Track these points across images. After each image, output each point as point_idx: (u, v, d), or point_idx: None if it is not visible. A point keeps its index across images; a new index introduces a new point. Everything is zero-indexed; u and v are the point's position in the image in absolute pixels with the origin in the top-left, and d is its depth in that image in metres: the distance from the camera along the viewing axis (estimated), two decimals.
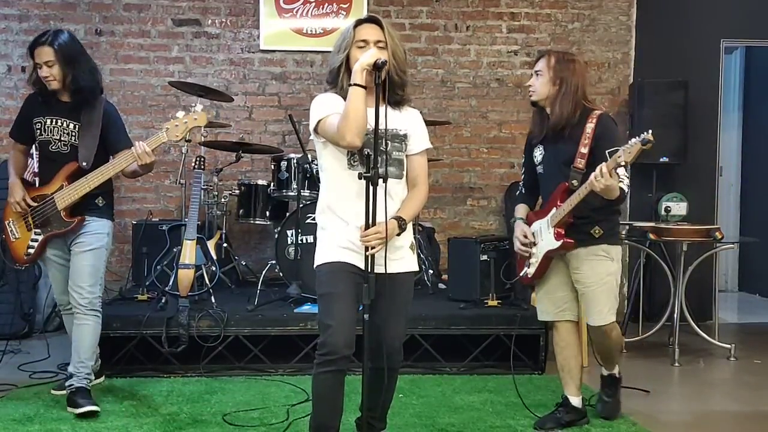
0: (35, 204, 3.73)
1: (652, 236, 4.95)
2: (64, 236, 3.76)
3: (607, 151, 3.28)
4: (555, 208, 3.40)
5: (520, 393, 3.78)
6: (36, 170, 3.98)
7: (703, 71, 6.17)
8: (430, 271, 5.37)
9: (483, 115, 6.41)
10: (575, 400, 3.59)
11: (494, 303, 4.69)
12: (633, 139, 3.09)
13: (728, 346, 5.10)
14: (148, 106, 6.17)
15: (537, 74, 3.45)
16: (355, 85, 2.63)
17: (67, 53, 3.67)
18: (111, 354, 4.34)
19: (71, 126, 3.74)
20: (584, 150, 3.35)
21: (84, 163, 3.71)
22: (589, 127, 3.36)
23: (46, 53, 3.63)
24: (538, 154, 3.54)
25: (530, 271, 3.56)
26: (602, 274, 3.41)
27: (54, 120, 3.74)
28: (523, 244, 3.54)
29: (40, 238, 3.75)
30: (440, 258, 5.92)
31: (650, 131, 3.04)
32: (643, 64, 6.38)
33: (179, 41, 6.20)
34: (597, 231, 3.40)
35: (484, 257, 4.78)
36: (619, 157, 3.11)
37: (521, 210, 3.68)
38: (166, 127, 3.73)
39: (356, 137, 2.64)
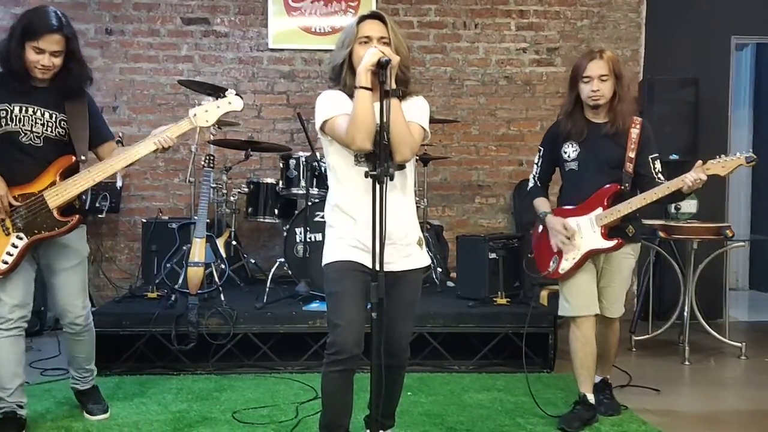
0: (17, 204, 3.21)
1: (662, 234, 4.93)
2: (45, 245, 3.32)
3: (650, 157, 3.48)
4: (601, 208, 3.47)
5: (529, 392, 3.77)
6: None
7: (713, 68, 6.13)
8: (439, 270, 5.37)
9: (491, 113, 6.40)
10: (591, 397, 3.59)
11: (503, 301, 4.69)
12: (736, 154, 3.28)
13: (739, 344, 5.08)
14: (157, 104, 6.18)
15: (602, 79, 3.43)
16: (361, 87, 2.61)
17: (74, 45, 3.27)
18: (121, 352, 4.36)
19: (47, 115, 3.26)
20: (632, 155, 3.46)
21: (82, 157, 3.30)
22: (635, 132, 3.47)
23: (58, 42, 3.18)
24: (572, 150, 3.56)
25: (566, 266, 3.54)
26: (627, 270, 3.61)
27: (24, 108, 3.22)
28: (569, 238, 3.52)
29: (22, 242, 3.21)
30: (449, 256, 5.91)
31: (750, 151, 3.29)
32: (652, 61, 6.35)
33: (188, 40, 6.22)
34: (630, 230, 3.54)
35: (493, 255, 4.77)
36: (708, 169, 3.31)
37: (545, 204, 3.69)
38: (194, 112, 3.32)
39: (366, 140, 2.63)
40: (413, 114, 2.79)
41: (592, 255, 3.52)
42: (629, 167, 3.46)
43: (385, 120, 2.55)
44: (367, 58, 2.61)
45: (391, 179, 2.56)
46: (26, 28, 3.16)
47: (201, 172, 4.74)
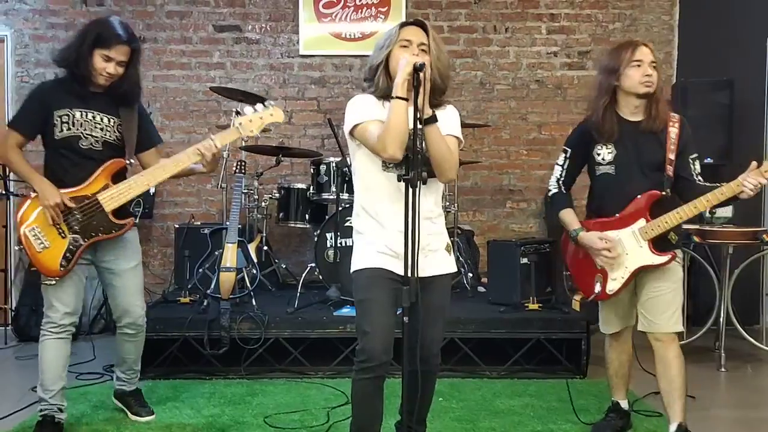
0: (71, 206, 3.26)
1: (696, 239, 4.86)
2: (103, 247, 3.41)
3: (690, 158, 3.21)
4: (644, 219, 3.17)
5: (562, 397, 3.74)
6: (53, 170, 3.36)
7: (748, 70, 6.03)
8: (470, 275, 5.35)
9: (522, 117, 6.37)
10: (625, 404, 3.54)
11: (535, 306, 4.65)
12: None
13: None
14: (190, 111, 6.25)
15: (653, 65, 3.16)
16: (398, 98, 2.61)
17: (138, 57, 3.40)
18: (154, 356, 4.40)
19: (105, 120, 3.36)
20: (672, 156, 3.17)
21: (132, 160, 3.41)
22: (673, 131, 3.18)
23: (125, 53, 3.30)
24: (607, 152, 3.24)
25: (614, 286, 3.24)
26: (676, 278, 3.24)
27: (85, 113, 3.33)
28: (611, 257, 3.20)
29: (81, 244, 3.28)
30: (479, 261, 5.89)
31: None
32: (686, 64, 6.28)
33: (220, 47, 6.28)
34: (673, 237, 3.24)
35: (524, 260, 4.74)
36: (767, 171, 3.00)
37: (574, 218, 3.34)
38: (239, 122, 3.35)
39: (398, 150, 2.62)
40: (447, 126, 2.80)
41: (641, 272, 3.21)
42: (670, 170, 3.16)
43: (422, 146, 2.58)
44: (402, 65, 2.60)
45: (424, 183, 2.56)
46: (99, 36, 3.26)
47: (233, 178, 4.78)
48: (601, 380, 3.82)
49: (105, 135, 3.37)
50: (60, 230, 3.27)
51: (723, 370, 4.75)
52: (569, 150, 3.40)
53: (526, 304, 4.67)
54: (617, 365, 3.49)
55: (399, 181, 2.56)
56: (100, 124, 3.36)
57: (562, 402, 3.91)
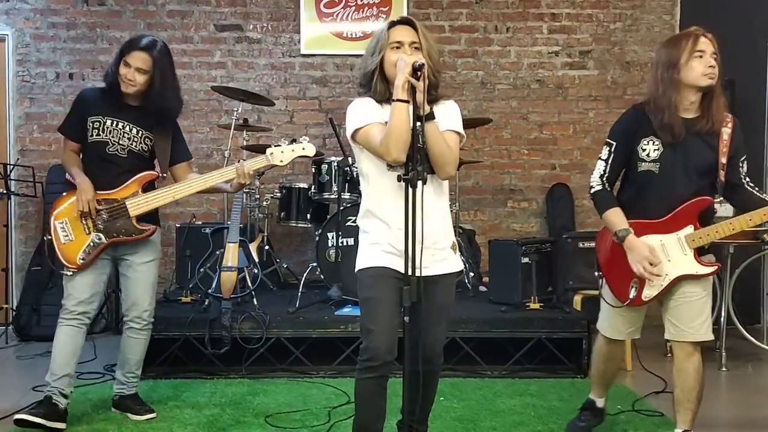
0: (99, 207, 3.51)
1: None
2: (124, 244, 3.59)
3: (740, 160, 3.02)
4: (692, 225, 2.98)
5: (563, 397, 3.74)
6: (90, 171, 3.62)
7: (749, 69, 6.03)
8: (471, 274, 5.34)
9: (523, 117, 6.38)
10: (601, 402, 3.44)
11: (536, 306, 4.65)
12: None
13: None
14: (191, 110, 6.24)
15: (715, 56, 2.93)
16: (398, 100, 2.60)
17: (162, 68, 3.56)
18: (155, 355, 4.40)
19: (134, 131, 3.59)
20: (724, 160, 2.96)
21: (164, 175, 3.67)
22: (726, 132, 2.97)
23: (143, 60, 3.49)
24: (653, 148, 2.98)
25: (651, 293, 3.04)
26: (708, 285, 3.05)
27: (115, 122, 3.56)
28: (653, 266, 2.97)
29: (101, 242, 3.51)
30: (481, 260, 5.89)
31: None
32: None
33: (221, 46, 6.28)
34: (707, 244, 3.04)
35: (526, 260, 4.74)
36: None
37: (622, 218, 3.04)
38: (271, 151, 3.55)
39: (401, 153, 2.62)
40: (447, 121, 2.79)
41: (681, 281, 3.02)
42: (722, 175, 2.95)
43: (421, 142, 2.57)
44: (401, 66, 2.60)
45: (425, 183, 2.55)
46: (124, 45, 3.57)
47: None
48: None
49: (131, 144, 3.60)
50: (86, 226, 3.53)
51: (724, 369, 4.75)
52: (614, 143, 3.09)
53: (528, 304, 4.67)
54: (605, 369, 3.38)
55: (399, 181, 2.55)
56: (128, 134, 3.59)
57: (563, 401, 3.91)
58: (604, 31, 6.36)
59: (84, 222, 3.52)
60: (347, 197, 5.02)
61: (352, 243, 4.67)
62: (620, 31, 6.36)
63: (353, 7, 6.22)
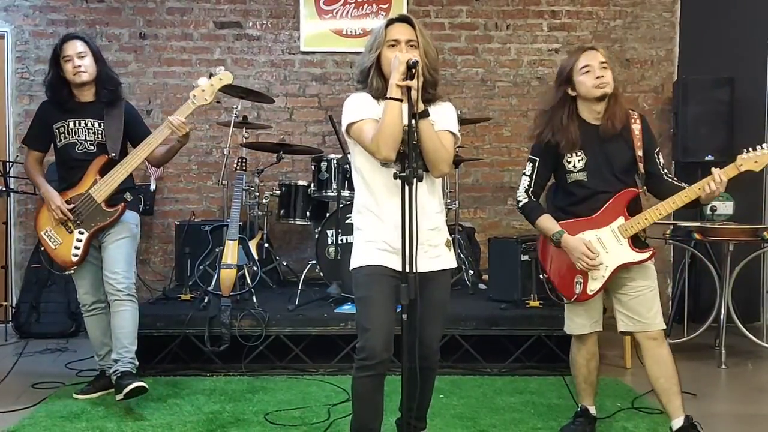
0: (71, 206, 3.79)
1: (697, 236, 4.86)
2: (105, 229, 3.83)
3: (654, 152, 3.23)
4: (623, 217, 3.16)
5: (563, 394, 3.74)
6: (61, 176, 3.97)
7: (749, 67, 6.03)
8: (471, 272, 5.34)
9: (523, 114, 6.36)
10: (593, 410, 3.47)
11: (535, 303, 4.65)
12: (764, 146, 3.06)
13: None
14: None
15: (603, 66, 3.15)
16: (392, 98, 2.61)
17: (95, 48, 3.87)
18: (154, 353, 4.41)
19: (96, 125, 3.85)
20: (640, 153, 3.19)
21: (113, 154, 3.83)
22: (636, 127, 3.20)
23: (80, 44, 3.79)
24: (577, 160, 3.21)
25: (595, 286, 3.19)
26: (654, 277, 3.22)
27: (77, 121, 3.84)
28: (592, 259, 3.15)
29: (84, 236, 3.81)
30: (480, 258, 5.89)
31: None
32: (687, 61, 6.27)
33: (221, 43, 6.27)
34: (642, 235, 3.24)
35: (525, 257, 4.74)
36: (740, 165, 3.07)
37: (552, 221, 3.27)
38: (194, 94, 3.77)
39: (392, 151, 2.63)
40: (442, 121, 2.80)
41: (621, 270, 3.18)
42: (641, 167, 3.18)
43: (416, 139, 2.58)
44: (395, 65, 2.60)
45: (420, 180, 2.55)
46: (54, 51, 3.83)
47: (233, 174, 4.79)
48: (601, 377, 3.80)
49: (97, 138, 3.86)
50: (67, 227, 3.83)
51: (723, 367, 4.75)
52: (537, 159, 3.33)
53: (527, 301, 4.67)
54: (586, 372, 3.41)
55: (395, 179, 2.55)
56: (92, 128, 3.86)
57: (563, 399, 3.92)
58: (605, 29, 6.35)
59: (64, 225, 3.82)
60: (346, 195, 5.01)
61: (352, 240, 4.65)
62: (620, 28, 6.35)
63: (353, 5, 6.22)
